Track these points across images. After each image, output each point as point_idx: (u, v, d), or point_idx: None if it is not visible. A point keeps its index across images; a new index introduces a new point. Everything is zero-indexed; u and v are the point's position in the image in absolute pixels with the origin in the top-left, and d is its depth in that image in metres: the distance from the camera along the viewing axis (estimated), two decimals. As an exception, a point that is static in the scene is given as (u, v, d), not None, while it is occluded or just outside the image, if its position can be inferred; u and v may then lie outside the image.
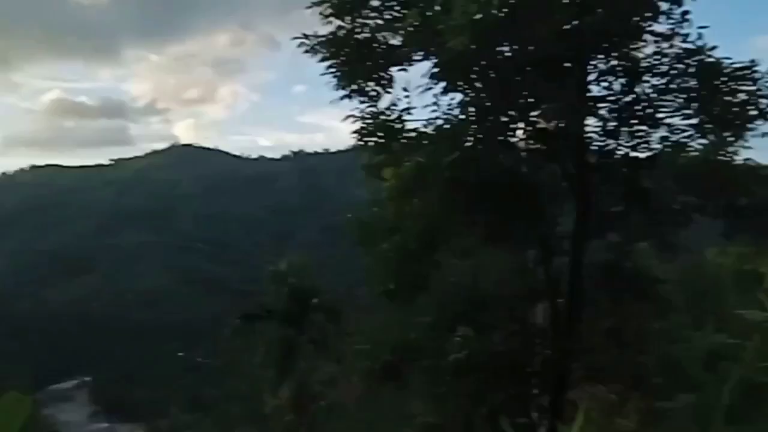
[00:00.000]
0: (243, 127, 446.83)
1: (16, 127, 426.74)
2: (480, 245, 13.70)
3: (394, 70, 12.21)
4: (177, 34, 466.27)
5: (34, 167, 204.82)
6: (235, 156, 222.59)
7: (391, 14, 11.81)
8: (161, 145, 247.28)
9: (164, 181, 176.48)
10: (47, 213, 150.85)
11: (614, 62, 11.48)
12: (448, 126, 11.77)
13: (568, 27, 10.50)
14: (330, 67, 11.86)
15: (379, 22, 11.86)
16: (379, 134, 12.18)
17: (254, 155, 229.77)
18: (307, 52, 11.85)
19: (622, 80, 11.59)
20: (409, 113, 12.18)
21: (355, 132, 12.14)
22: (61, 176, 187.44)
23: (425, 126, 12.05)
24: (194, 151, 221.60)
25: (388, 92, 12.26)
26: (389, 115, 12.21)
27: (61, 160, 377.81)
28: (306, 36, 11.85)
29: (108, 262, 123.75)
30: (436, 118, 11.87)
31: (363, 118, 12.21)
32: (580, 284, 12.30)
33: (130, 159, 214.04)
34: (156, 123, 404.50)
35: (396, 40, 11.88)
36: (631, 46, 11.33)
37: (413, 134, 12.10)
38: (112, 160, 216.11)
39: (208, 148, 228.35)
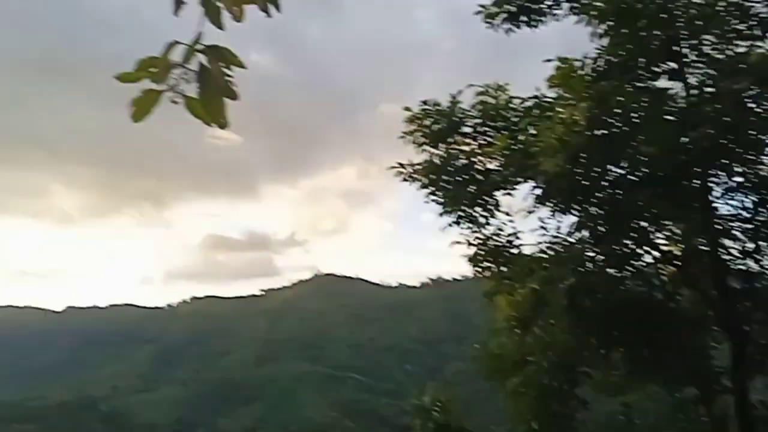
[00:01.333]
0: (378, 255, 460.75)
1: (175, 262, 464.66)
2: (628, 381, 12.39)
3: (498, 194, 11.92)
4: (308, 169, 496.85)
5: (194, 298, 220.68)
6: (375, 284, 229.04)
7: (484, 139, 11.85)
8: (305, 275, 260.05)
9: (312, 310, 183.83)
10: (210, 342, 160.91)
11: (740, 178, 10.43)
12: (561, 250, 11.19)
13: (677, 144, 9.68)
14: (431, 194, 11.91)
15: (474, 147, 11.88)
16: (489, 260, 11.99)
17: (393, 283, 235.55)
18: (405, 180, 11.94)
19: (754, 197, 10.53)
20: (517, 237, 12.00)
21: (468, 259, 12.04)
22: (219, 306, 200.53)
23: (538, 251, 11.58)
24: (336, 280, 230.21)
25: (494, 217, 12.00)
26: (498, 240, 12.00)
27: (218, 291, 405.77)
28: (402, 165, 11.93)
29: (270, 391, 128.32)
30: (546, 242, 11.43)
31: (470, 244, 12.00)
32: (750, 428, 10.75)
33: (278, 289, 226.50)
34: (297, 254, 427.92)
35: (494, 165, 11.78)
36: (756, 160, 10.12)
37: (525, 259, 11.73)
38: (263, 290, 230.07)
39: (349, 277, 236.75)
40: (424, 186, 11.84)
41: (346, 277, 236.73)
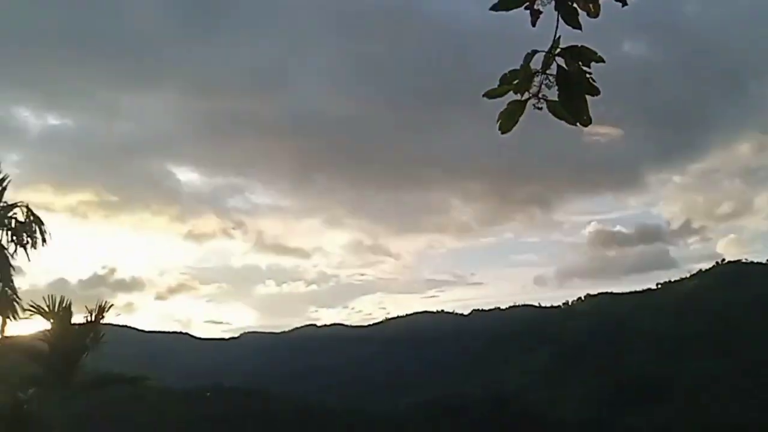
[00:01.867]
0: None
1: (566, 261, 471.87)
2: None
3: None
4: (695, 153, 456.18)
5: (588, 296, 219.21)
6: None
7: None
8: (706, 265, 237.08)
9: (717, 302, 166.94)
10: (610, 339, 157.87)
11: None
12: None
13: None
14: None
15: None
16: None
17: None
18: None
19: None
20: None
21: None
22: (615, 303, 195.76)
23: None
24: (742, 267, 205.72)
25: None
26: None
27: (611, 287, 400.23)
28: None
29: (680, 389, 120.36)
30: None
31: None
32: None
33: (677, 281, 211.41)
34: (695, 243, 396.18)
35: None
36: None
37: None
38: (659, 284, 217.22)
39: (759, 263, 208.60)
40: None
41: (754, 263, 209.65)
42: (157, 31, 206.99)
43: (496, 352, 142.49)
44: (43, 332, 25.57)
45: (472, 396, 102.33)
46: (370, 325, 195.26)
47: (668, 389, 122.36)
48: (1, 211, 26.54)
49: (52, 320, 25.33)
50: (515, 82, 3.61)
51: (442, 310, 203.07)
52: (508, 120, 3.74)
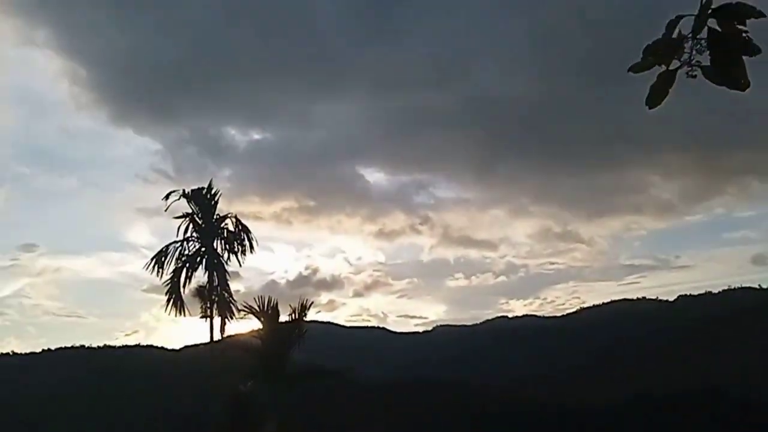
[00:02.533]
0: None
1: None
2: None
3: None
4: None
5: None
6: None
7: None
8: None
9: None
10: None
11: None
12: None
13: None
14: None
15: None
16: None
17: None
18: None
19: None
20: None
21: None
22: None
23: None
24: None
25: None
26: None
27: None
28: None
29: None
30: None
31: None
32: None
33: None
34: None
35: None
36: None
37: None
38: None
39: None
40: None
41: None
42: (339, 37, 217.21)
43: (709, 340, 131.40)
44: (257, 330, 28.25)
45: (684, 387, 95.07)
46: (563, 315, 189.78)
47: None
48: (215, 223, 29.77)
49: (262, 319, 27.90)
50: (658, 52, 3.45)
51: (644, 297, 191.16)
52: (657, 94, 3.57)
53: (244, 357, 28.52)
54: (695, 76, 3.41)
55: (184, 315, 27.37)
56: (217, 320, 27.55)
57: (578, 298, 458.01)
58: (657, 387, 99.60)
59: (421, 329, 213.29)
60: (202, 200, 29.16)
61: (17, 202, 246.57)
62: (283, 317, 28.12)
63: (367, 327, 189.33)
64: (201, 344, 29.73)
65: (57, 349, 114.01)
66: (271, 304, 28.30)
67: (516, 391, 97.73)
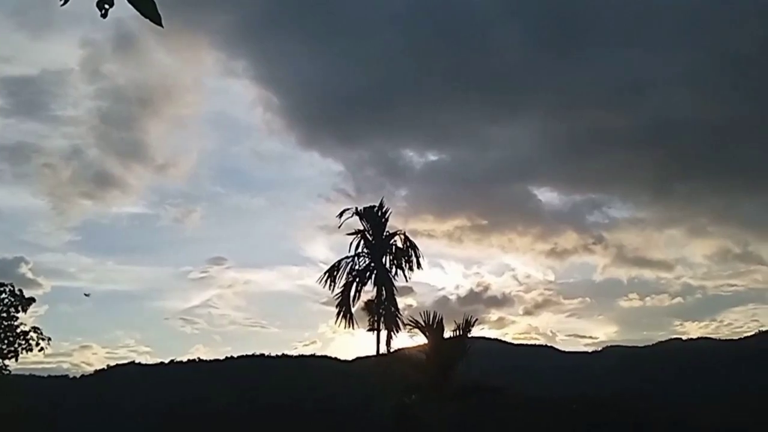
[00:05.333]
0: None
1: None
2: None
3: None
4: None
5: None
6: None
7: None
8: None
9: None
10: None
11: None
12: None
13: None
14: None
15: None
16: None
17: None
18: None
19: None
20: None
21: None
22: None
23: None
24: None
25: None
26: None
27: None
28: None
29: None
30: None
31: None
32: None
33: None
34: None
35: None
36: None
37: None
38: None
39: None
40: None
41: None
42: (519, 58, 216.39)
43: None
44: (423, 345, 28.95)
45: None
46: (741, 339, 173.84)
47: None
48: (385, 239, 31.00)
49: (427, 333, 28.59)
50: None
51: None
52: None
53: (409, 370, 29.36)
54: None
55: (353, 327, 28.69)
56: (383, 333, 28.55)
57: (757, 321, 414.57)
58: None
59: (590, 349, 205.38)
60: (374, 218, 30.37)
61: (211, 219, 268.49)
62: (449, 333, 28.68)
63: (534, 345, 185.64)
64: (370, 356, 31.02)
65: (239, 357, 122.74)
66: (437, 320, 29.01)
67: (684, 414, 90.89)
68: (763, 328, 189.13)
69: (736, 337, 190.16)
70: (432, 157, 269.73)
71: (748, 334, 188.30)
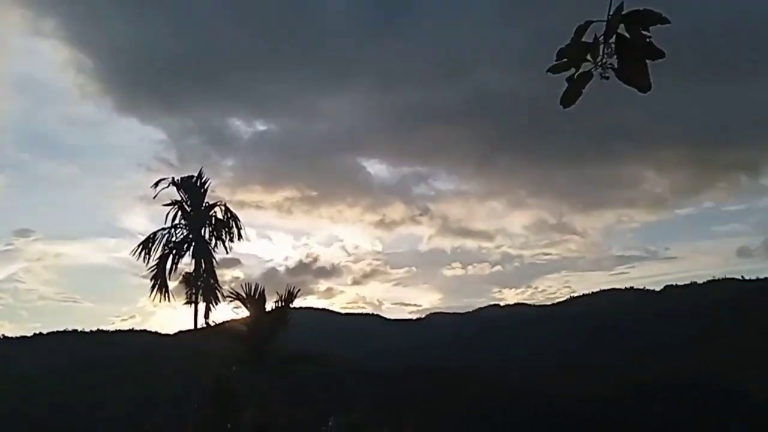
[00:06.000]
0: None
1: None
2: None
3: None
4: None
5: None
6: None
7: None
8: None
9: None
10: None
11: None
12: None
13: None
14: None
15: None
16: None
17: None
18: None
19: None
20: None
21: None
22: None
23: None
24: None
25: None
26: None
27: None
28: None
29: None
30: None
31: None
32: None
33: None
34: None
35: None
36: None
37: None
38: None
39: None
40: None
41: None
42: (345, 31, 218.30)
43: (693, 330, 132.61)
44: (245, 317, 28.64)
45: (667, 377, 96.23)
46: (554, 304, 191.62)
47: None
48: (204, 210, 30.10)
49: (248, 305, 28.31)
50: (572, 56, 3.64)
51: (632, 287, 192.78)
52: (571, 94, 3.74)
53: (230, 342, 28.95)
54: (608, 78, 3.60)
55: (169, 301, 27.74)
56: (202, 306, 27.92)
57: (569, 287, 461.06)
58: (642, 376, 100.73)
59: (414, 317, 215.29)
60: (192, 188, 29.44)
61: (15, 189, 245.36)
62: (272, 304, 28.60)
63: (362, 314, 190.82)
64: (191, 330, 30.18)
65: (48, 334, 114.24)
66: (258, 291, 28.78)
67: (503, 378, 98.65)
68: (575, 294, 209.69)
69: (550, 303, 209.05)
70: (260, 126, 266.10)
71: (561, 299, 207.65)
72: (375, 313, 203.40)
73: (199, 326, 27.85)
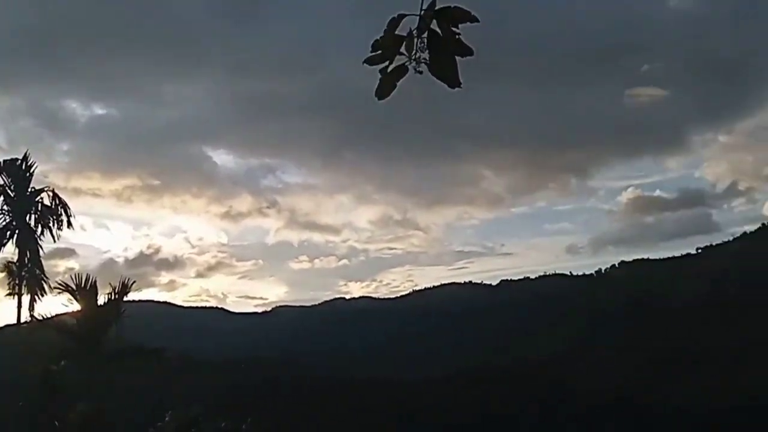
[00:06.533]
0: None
1: (601, 228, 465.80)
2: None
3: None
4: (745, 110, 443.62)
5: (623, 263, 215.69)
6: None
7: None
8: (752, 227, 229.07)
9: (763, 265, 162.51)
10: (645, 307, 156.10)
11: None
12: None
13: None
14: None
15: None
16: None
17: None
18: None
19: None
20: None
21: None
22: (651, 270, 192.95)
23: None
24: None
25: None
26: None
27: (648, 254, 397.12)
28: None
29: (718, 357, 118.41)
30: None
31: None
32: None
33: (719, 245, 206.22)
34: (740, 205, 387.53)
35: None
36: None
37: None
38: (699, 248, 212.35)
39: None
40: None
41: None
42: (195, 19, 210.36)
43: (525, 323, 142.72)
44: (76, 310, 27.14)
45: (500, 367, 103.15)
46: (397, 297, 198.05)
47: (704, 359, 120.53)
48: (29, 196, 28.13)
49: (78, 297, 26.87)
50: (386, 47, 3.66)
51: (470, 282, 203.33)
52: (386, 86, 3.78)
53: (58, 336, 27.36)
54: (422, 72, 3.62)
55: (-12, 292, 25.80)
56: (27, 298, 26.22)
57: (412, 281, 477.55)
58: (477, 363, 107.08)
59: (260, 310, 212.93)
60: (16, 172, 27.50)
61: None
62: (104, 296, 27.33)
63: (206, 307, 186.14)
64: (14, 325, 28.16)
65: None
66: (89, 282, 27.38)
67: (346, 367, 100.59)
68: (417, 287, 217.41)
69: (394, 296, 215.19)
70: (99, 110, 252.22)
71: (404, 293, 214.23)
72: (219, 306, 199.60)
73: (24, 320, 26.10)
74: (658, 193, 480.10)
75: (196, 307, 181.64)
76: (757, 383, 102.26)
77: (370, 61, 3.70)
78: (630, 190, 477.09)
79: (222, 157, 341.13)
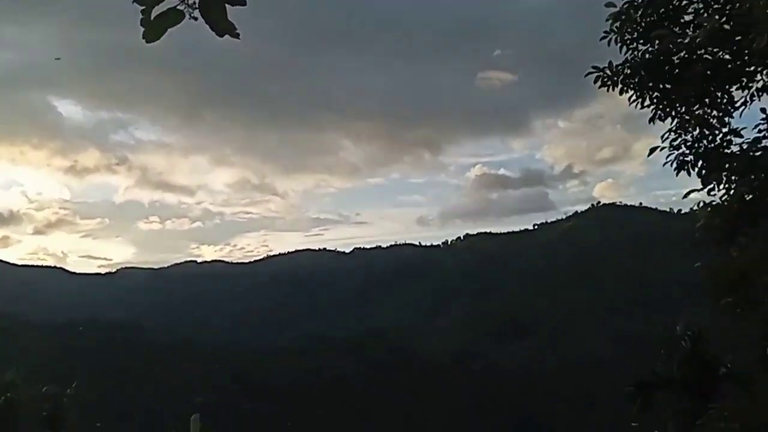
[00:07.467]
0: (665, 182, 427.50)
1: (450, 202, 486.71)
2: None
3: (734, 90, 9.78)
4: (582, 99, 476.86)
5: (468, 236, 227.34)
6: (662, 211, 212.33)
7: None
8: (583, 207, 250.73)
9: (590, 242, 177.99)
10: (485, 277, 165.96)
11: None
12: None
13: None
14: (640, 96, 10.00)
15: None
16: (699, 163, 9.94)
17: (685, 209, 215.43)
18: (603, 86, 10.04)
19: None
20: (739, 136, 9.79)
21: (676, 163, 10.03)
22: (493, 242, 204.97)
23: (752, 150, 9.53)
24: (616, 209, 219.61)
25: (720, 116, 9.91)
26: (713, 141, 9.97)
27: (491, 228, 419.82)
28: (600, 68, 9.97)
29: (547, 324, 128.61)
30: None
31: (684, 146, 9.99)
32: None
33: (553, 222, 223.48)
34: (574, 186, 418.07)
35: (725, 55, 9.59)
36: None
37: (737, 161, 9.62)
38: (536, 224, 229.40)
39: (632, 206, 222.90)
40: (635, 87, 10.09)
41: (627, 206, 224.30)
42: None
43: (376, 289, 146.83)
44: None
45: (349, 330, 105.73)
46: (251, 262, 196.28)
47: (536, 324, 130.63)
48: None
49: None
50: None
51: (324, 248, 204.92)
52: (154, 28, 3.61)
53: None
54: (196, 19, 3.50)
55: None
56: None
57: (267, 246, 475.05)
58: (329, 329, 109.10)
59: (104, 271, 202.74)
60: None
61: None
62: None
63: (43, 267, 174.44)
64: None
65: None
66: None
67: (192, 332, 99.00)
68: (272, 253, 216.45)
69: (248, 260, 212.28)
70: None
71: (259, 257, 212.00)
72: (59, 266, 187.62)
73: None
74: (502, 171, 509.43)
75: (33, 266, 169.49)
76: (574, 348, 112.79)
77: (140, 2, 3.52)
78: (477, 167, 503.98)
79: (68, 108, 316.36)
